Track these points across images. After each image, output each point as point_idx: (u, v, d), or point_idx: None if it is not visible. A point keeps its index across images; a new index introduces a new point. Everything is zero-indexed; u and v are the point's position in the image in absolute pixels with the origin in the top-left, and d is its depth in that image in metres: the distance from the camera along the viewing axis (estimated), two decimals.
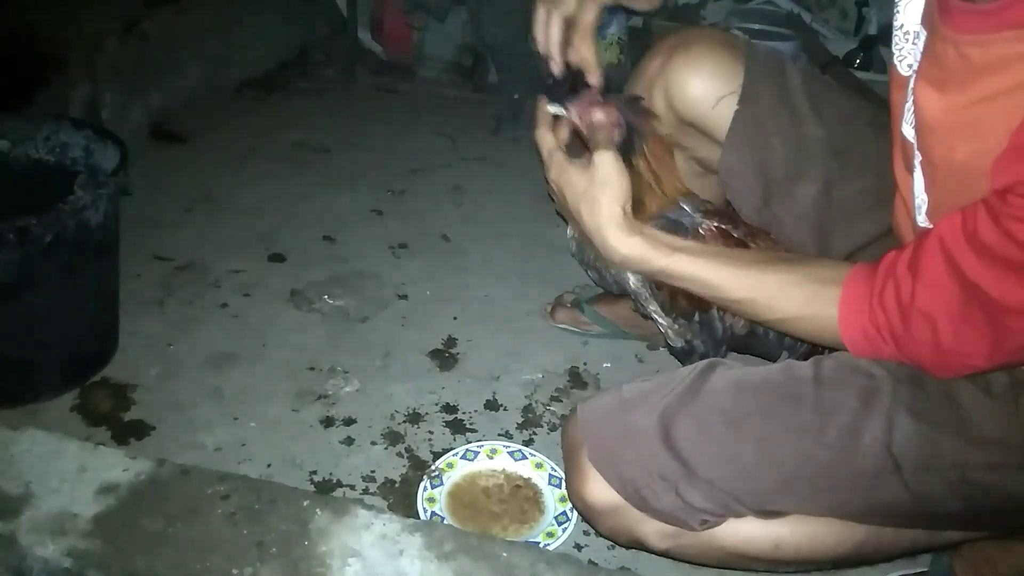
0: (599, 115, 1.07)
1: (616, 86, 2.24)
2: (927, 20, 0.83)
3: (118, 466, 0.92)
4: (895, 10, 0.88)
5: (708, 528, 0.88)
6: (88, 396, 1.34)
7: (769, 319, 0.93)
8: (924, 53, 0.83)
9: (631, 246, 0.95)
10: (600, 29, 2.63)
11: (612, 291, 1.24)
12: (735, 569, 1.02)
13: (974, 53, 0.75)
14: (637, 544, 0.94)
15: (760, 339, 1.13)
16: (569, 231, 1.23)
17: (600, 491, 0.89)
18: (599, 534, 1.01)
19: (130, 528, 0.86)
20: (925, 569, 1.08)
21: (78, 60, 1.91)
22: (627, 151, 1.11)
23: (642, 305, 1.13)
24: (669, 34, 1.20)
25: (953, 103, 0.78)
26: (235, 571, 0.82)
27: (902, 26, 0.87)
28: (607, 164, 0.96)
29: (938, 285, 0.78)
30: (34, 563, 0.83)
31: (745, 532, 0.89)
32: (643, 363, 1.47)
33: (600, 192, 0.95)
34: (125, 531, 0.86)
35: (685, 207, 1.13)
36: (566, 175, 0.99)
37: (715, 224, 1.12)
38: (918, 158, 0.84)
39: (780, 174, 1.12)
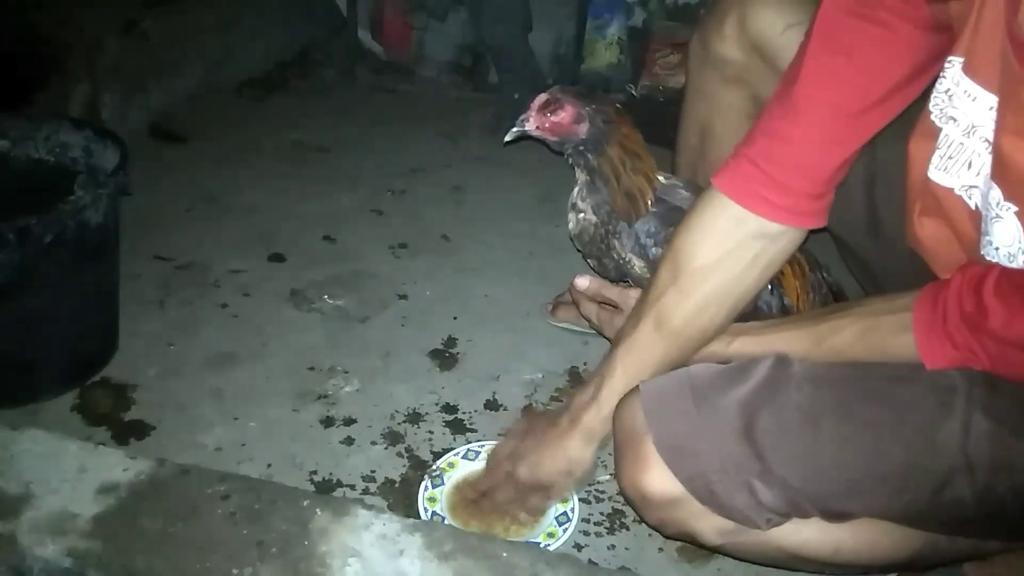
0: (556, 116, 1.11)
1: (616, 86, 2.27)
2: (971, 71, 0.82)
3: (118, 466, 0.92)
4: (940, 75, 0.88)
5: (772, 527, 0.87)
6: (88, 396, 1.34)
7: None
8: (1005, 104, 0.80)
9: None
10: (600, 29, 2.63)
11: (611, 278, 1.26)
12: (784, 568, 1.01)
13: None
14: (686, 537, 0.93)
15: (764, 314, 1.15)
16: (570, 224, 1.24)
17: (662, 482, 0.87)
18: (643, 522, 1.02)
19: (130, 528, 0.86)
20: None
21: (78, 60, 1.91)
22: (597, 143, 1.14)
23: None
24: None
25: None
26: (235, 571, 0.82)
27: (947, 89, 0.87)
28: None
29: None
30: (34, 563, 0.83)
31: (807, 534, 0.88)
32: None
33: None
34: (125, 531, 0.86)
35: (684, 191, 1.14)
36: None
37: None
38: (1011, 208, 0.83)
39: None
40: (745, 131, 1.25)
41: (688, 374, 0.90)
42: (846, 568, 0.92)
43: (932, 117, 0.90)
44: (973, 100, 0.84)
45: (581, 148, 1.18)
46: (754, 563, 1.03)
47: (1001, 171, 0.81)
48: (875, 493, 0.85)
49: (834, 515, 0.87)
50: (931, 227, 0.94)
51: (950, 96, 0.87)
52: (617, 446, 0.94)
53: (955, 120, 0.86)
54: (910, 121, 0.99)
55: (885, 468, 0.83)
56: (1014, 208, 0.82)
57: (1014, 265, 0.84)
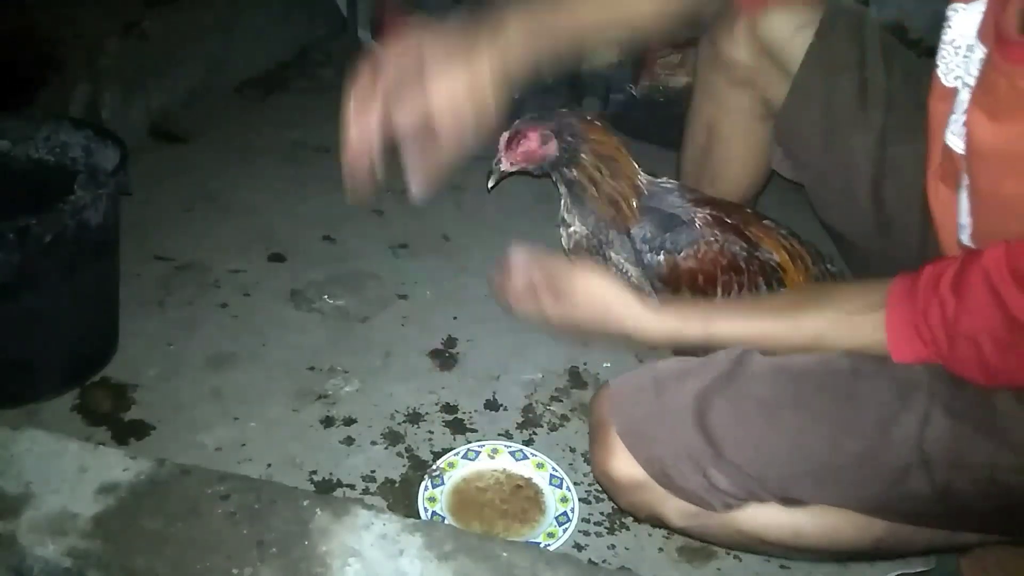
0: (523, 144, 1.12)
1: (616, 86, 2.27)
2: (984, 37, 0.83)
3: (118, 466, 0.92)
4: (945, 24, 0.88)
5: (730, 511, 0.89)
6: (88, 396, 1.34)
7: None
8: (979, 79, 0.82)
9: (665, 327, 0.96)
10: None
11: None
12: (751, 553, 1.04)
13: None
14: (656, 521, 0.95)
15: None
16: (563, 240, 1.24)
17: (625, 467, 0.90)
18: (618, 508, 1.04)
19: (130, 528, 0.86)
20: (929, 568, 1.08)
21: (78, 60, 1.91)
22: (570, 158, 1.16)
23: None
24: None
25: (1004, 134, 0.78)
26: (235, 571, 0.82)
27: (953, 40, 0.87)
28: (594, 284, 0.97)
29: (982, 314, 0.78)
30: (34, 563, 0.83)
31: (766, 518, 0.90)
32: (643, 363, 1.47)
33: (608, 310, 0.97)
34: (125, 531, 0.86)
35: (671, 197, 1.14)
36: (566, 313, 0.99)
37: (709, 212, 1.13)
38: (965, 181, 0.85)
39: (843, 115, 1.13)
40: (752, 133, 1.25)
41: (654, 368, 0.93)
42: (809, 553, 0.94)
43: (939, 72, 0.89)
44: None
45: (557, 165, 1.18)
46: (721, 547, 1.07)
47: (965, 142, 0.83)
48: (830, 483, 0.86)
49: (791, 502, 0.89)
50: (944, 195, 0.93)
51: (957, 51, 0.87)
52: (590, 436, 0.97)
53: (971, 87, 0.85)
54: (921, 115, 0.98)
55: (839, 459, 0.85)
56: (966, 181, 0.84)
57: (963, 237, 0.87)
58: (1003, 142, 0.79)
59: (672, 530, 0.98)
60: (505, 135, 1.18)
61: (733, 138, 1.23)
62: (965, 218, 0.87)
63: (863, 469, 0.85)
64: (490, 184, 1.21)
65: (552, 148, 1.17)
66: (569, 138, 1.16)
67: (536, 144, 1.17)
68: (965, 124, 0.84)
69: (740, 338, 0.93)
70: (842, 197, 1.15)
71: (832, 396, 0.86)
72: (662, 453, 0.88)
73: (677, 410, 0.88)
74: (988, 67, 0.81)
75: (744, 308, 0.97)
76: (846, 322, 0.88)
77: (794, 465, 0.86)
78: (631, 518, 1.16)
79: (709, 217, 1.13)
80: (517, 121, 1.19)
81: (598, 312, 0.98)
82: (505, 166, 1.19)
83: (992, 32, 0.80)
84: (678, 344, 0.99)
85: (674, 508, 0.91)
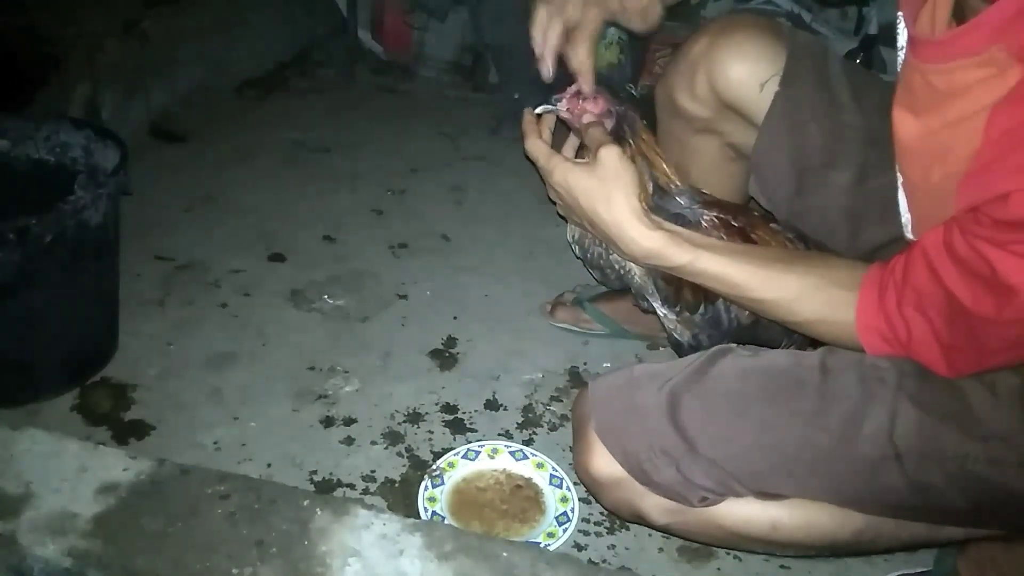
0: (588, 106, 1.10)
1: (616, 86, 2.26)
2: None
3: (118, 466, 0.92)
4: (896, 33, 0.91)
5: (707, 505, 0.90)
6: (88, 396, 1.34)
7: (787, 320, 0.94)
8: (899, 79, 0.87)
9: (654, 240, 0.95)
10: None
11: (614, 287, 1.25)
12: (734, 549, 1.05)
13: (938, 81, 0.80)
14: (638, 519, 0.96)
15: (764, 329, 1.14)
16: (569, 229, 1.23)
17: (604, 463, 0.91)
18: (602, 507, 1.04)
19: (130, 528, 0.86)
20: (928, 569, 1.08)
21: (78, 60, 1.91)
22: (616, 141, 1.13)
23: (646, 299, 1.14)
24: (711, 20, 1.23)
25: (926, 128, 0.82)
26: (235, 571, 0.82)
27: (902, 47, 0.90)
28: (615, 158, 0.96)
29: (925, 291, 0.81)
30: (34, 563, 0.83)
31: (744, 512, 0.91)
32: (643, 363, 1.47)
33: (614, 188, 0.96)
34: (125, 531, 0.86)
35: (680, 199, 1.13)
36: (573, 176, 0.99)
37: (715, 214, 1.13)
38: (899, 179, 0.89)
39: (815, 161, 1.13)
40: (723, 171, 1.25)
41: (632, 368, 0.94)
42: (790, 547, 0.95)
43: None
44: None
45: None
46: (702, 543, 1.07)
47: (894, 141, 0.87)
48: (803, 476, 0.87)
49: (768, 496, 0.89)
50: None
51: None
52: (572, 436, 0.98)
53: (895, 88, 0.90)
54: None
55: (810, 453, 0.86)
56: (900, 178, 0.88)
57: (907, 232, 0.90)
58: (925, 135, 0.82)
59: (654, 528, 0.98)
60: (580, 86, 1.16)
61: (702, 179, 1.22)
62: (905, 214, 0.90)
63: (835, 462, 0.86)
64: (537, 111, 1.18)
65: (607, 126, 1.15)
66: (625, 127, 1.14)
67: (599, 111, 1.14)
68: (892, 122, 0.87)
69: (720, 277, 0.93)
70: (818, 231, 1.16)
71: (801, 391, 0.87)
72: (637, 447, 0.89)
73: (650, 406, 0.89)
74: (905, 67, 0.86)
75: (734, 251, 0.96)
76: (824, 293, 0.89)
77: (765, 459, 0.87)
78: None
79: (716, 219, 1.12)
80: (597, 87, 1.17)
81: (604, 190, 0.96)
82: (561, 108, 1.16)
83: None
84: (656, 264, 0.97)
85: (654, 504, 0.92)
